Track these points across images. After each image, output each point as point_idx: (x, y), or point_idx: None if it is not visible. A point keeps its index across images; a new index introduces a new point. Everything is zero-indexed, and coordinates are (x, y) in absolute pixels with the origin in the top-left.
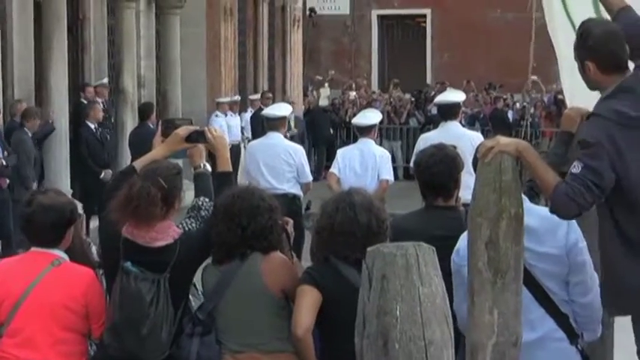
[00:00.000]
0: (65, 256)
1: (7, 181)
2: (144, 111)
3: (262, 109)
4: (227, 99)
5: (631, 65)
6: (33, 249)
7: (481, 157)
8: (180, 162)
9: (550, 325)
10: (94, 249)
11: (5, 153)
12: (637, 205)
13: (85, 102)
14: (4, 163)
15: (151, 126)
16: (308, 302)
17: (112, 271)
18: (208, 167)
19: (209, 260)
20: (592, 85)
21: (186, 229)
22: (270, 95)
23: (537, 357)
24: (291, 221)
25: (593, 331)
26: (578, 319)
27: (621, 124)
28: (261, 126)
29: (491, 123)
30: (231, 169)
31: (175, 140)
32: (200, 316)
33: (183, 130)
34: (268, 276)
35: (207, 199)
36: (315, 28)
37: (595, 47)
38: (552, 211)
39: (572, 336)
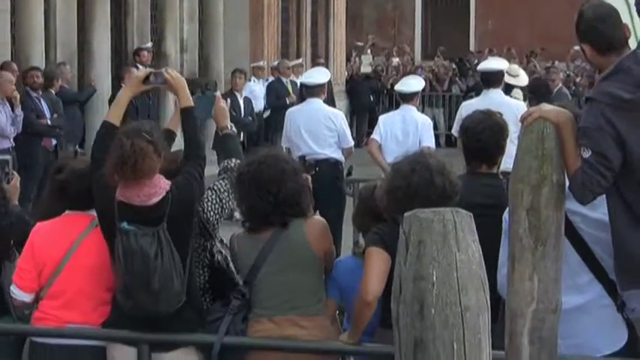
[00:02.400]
0: None
1: (54, 142)
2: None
3: (279, 79)
4: (259, 63)
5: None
6: (68, 212)
7: (522, 122)
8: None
9: (598, 290)
10: None
11: (55, 115)
12: None
13: (140, 67)
14: (50, 123)
15: (236, 94)
16: (380, 267)
17: (108, 234)
18: (234, 128)
19: (238, 229)
20: (595, 67)
21: (218, 191)
22: (289, 64)
23: (583, 321)
24: (308, 176)
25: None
26: None
27: (615, 107)
28: (275, 95)
29: (531, 92)
30: (192, 104)
31: (135, 82)
32: (243, 289)
33: (141, 72)
34: (314, 241)
35: (238, 161)
36: None
37: (586, 30)
38: (570, 191)
39: (619, 304)
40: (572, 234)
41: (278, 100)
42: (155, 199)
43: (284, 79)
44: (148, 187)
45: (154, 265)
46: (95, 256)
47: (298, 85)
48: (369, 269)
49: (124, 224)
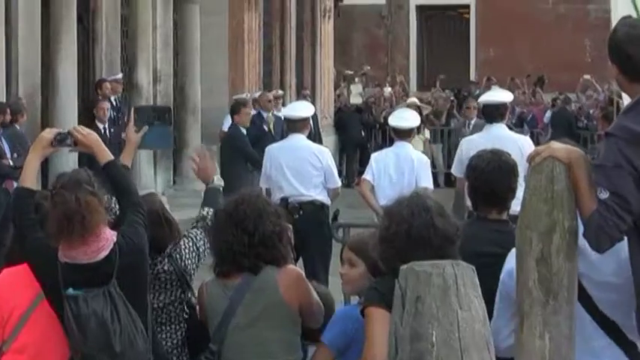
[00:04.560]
0: None
1: (15, 184)
2: (232, 110)
3: (259, 113)
4: (243, 95)
5: None
6: None
7: (529, 162)
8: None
9: (616, 354)
10: None
11: (15, 154)
12: None
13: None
14: (12, 164)
15: (242, 129)
16: (384, 330)
17: (56, 304)
18: (221, 181)
19: (211, 274)
20: (623, 91)
21: (194, 239)
22: (271, 97)
23: None
24: (290, 227)
25: None
26: None
27: (634, 143)
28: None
29: (552, 124)
30: (112, 157)
31: (41, 145)
32: (213, 347)
33: (48, 133)
34: (286, 291)
35: (211, 210)
36: (346, 18)
37: (615, 50)
38: (585, 238)
39: None
40: (584, 295)
41: (258, 136)
42: (103, 253)
43: (264, 113)
44: (95, 242)
45: (113, 328)
46: None
47: (282, 118)
48: (373, 333)
49: (70, 290)
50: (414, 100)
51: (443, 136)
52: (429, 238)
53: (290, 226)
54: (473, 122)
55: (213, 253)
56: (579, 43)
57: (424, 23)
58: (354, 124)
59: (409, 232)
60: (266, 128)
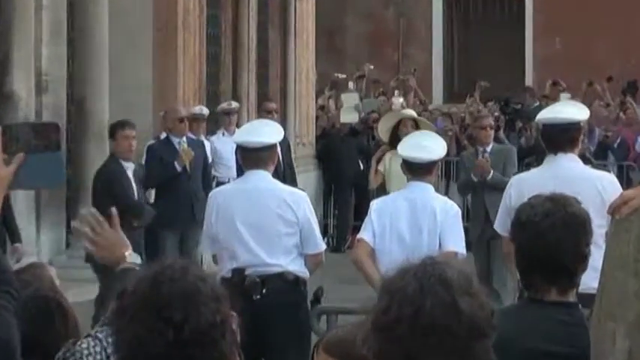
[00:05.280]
0: None
1: None
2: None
3: (168, 138)
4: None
5: None
6: None
7: (612, 214)
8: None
9: None
10: None
11: None
12: None
13: None
14: None
15: (124, 163)
16: None
17: None
18: (137, 258)
19: None
20: None
21: (103, 342)
22: (182, 113)
23: None
24: (234, 315)
25: None
26: None
27: None
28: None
29: None
30: None
31: None
32: None
33: None
34: None
35: None
36: None
37: None
38: None
39: None
40: None
41: (164, 171)
42: None
43: (175, 139)
44: None
45: None
46: None
47: (232, 148)
48: None
49: None
50: (409, 112)
51: None
52: (448, 327)
53: (234, 313)
54: (489, 150)
55: (120, 357)
56: None
57: (454, 2)
58: (346, 153)
59: (417, 318)
60: (179, 166)
